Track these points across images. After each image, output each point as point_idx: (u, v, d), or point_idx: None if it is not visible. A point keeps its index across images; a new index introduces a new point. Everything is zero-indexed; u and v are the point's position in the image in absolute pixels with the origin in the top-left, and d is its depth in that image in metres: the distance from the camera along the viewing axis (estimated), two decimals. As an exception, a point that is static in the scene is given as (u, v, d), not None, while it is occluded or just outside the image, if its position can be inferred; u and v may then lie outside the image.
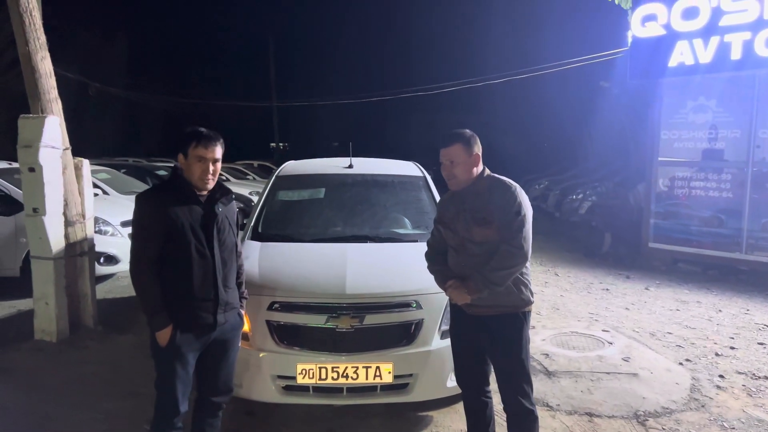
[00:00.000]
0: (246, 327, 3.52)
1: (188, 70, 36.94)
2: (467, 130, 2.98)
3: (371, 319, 3.47)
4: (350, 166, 5.23)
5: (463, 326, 3.05)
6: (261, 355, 3.48)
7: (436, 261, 3.17)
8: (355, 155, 5.43)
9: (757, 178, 8.27)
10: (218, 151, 2.81)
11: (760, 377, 4.64)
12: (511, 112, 33.67)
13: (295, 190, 5.15)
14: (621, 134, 13.27)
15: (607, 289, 7.72)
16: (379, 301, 3.54)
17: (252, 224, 4.60)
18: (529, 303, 2.94)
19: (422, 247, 4.30)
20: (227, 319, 2.92)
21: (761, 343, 5.47)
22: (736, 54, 7.99)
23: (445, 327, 3.62)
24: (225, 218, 2.91)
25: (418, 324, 3.54)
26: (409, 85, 24.63)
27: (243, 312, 3.13)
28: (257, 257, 4.00)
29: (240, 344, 3.50)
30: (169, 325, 2.73)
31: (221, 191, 2.90)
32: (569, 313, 6.45)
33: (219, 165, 2.85)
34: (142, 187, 9.78)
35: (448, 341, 3.56)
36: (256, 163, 21.77)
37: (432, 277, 3.70)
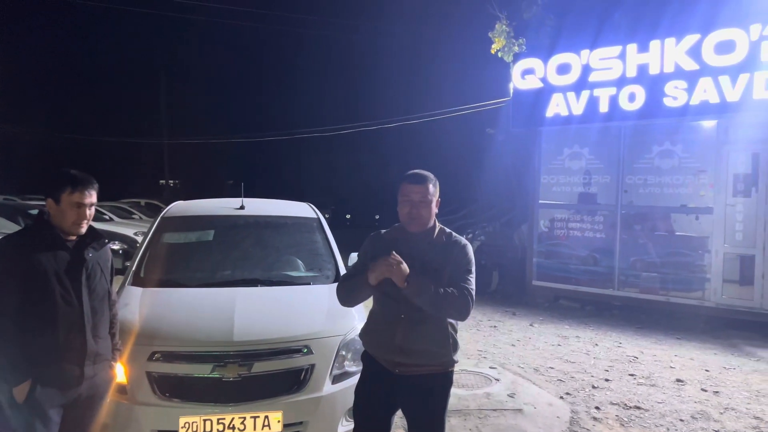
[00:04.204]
0: (123, 379, 3.31)
1: (70, 103, 34.96)
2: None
3: (260, 367, 3.37)
4: (242, 207, 5.12)
5: (379, 384, 2.84)
6: (140, 409, 3.27)
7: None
8: (248, 195, 5.34)
9: (625, 220, 9.03)
10: (94, 196, 2.71)
11: (630, 407, 4.97)
12: (406, 154, 34.64)
13: (182, 233, 4.96)
14: (507, 178, 14.04)
15: (495, 326, 8.02)
16: (269, 347, 3.45)
17: (133, 269, 4.35)
18: (455, 363, 2.88)
19: (315, 289, 4.33)
20: (96, 372, 2.73)
21: (632, 374, 5.88)
22: (604, 107, 8.78)
23: (337, 371, 3.59)
24: (96, 264, 2.76)
25: (309, 370, 3.48)
26: (305, 125, 24.79)
27: (114, 365, 2.93)
28: (138, 304, 3.79)
29: (117, 398, 3.29)
30: (27, 379, 2.51)
31: (92, 236, 2.76)
32: (459, 351, 6.60)
33: (93, 209, 2.73)
34: (12, 227, 9.02)
35: (339, 386, 3.54)
36: (143, 202, 20.84)
37: (324, 320, 3.72)
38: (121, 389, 3.29)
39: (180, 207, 5.31)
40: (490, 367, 5.93)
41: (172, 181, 32.02)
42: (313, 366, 3.49)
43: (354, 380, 3.28)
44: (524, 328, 8.00)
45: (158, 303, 3.88)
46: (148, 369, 3.30)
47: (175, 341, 3.40)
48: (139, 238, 11.64)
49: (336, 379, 3.57)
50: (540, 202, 10.00)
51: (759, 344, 7.07)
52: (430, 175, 2.81)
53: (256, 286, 4.23)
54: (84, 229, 2.71)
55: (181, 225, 5.01)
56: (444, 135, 22.90)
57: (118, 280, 3.94)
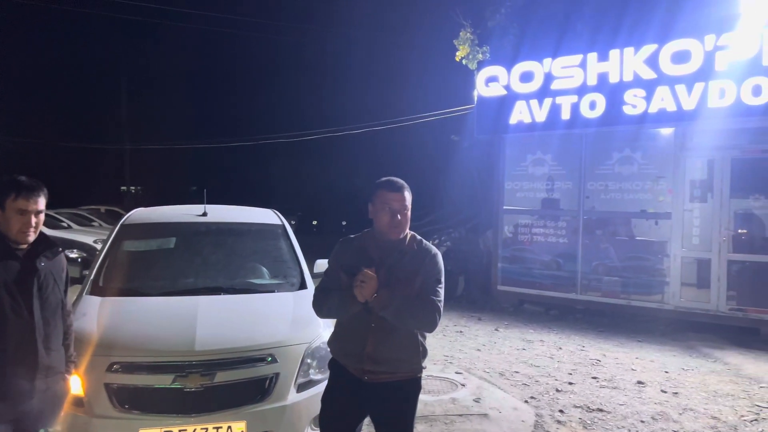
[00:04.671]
0: (80, 391, 3.21)
1: (29, 108, 33.93)
2: None
3: (223, 377, 3.31)
4: (204, 214, 5.03)
5: (346, 392, 2.79)
6: (98, 421, 3.17)
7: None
8: (213, 201, 5.26)
9: (587, 225, 9.20)
10: (41, 202, 2.61)
11: (593, 410, 5.05)
12: (373, 160, 34.77)
13: (143, 240, 4.85)
14: (472, 184, 14.17)
15: (461, 331, 8.07)
16: (232, 356, 3.40)
17: (92, 277, 4.23)
18: (423, 369, 2.87)
19: (280, 297, 4.28)
20: (49, 385, 2.64)
21: (594, 377, 5.98)
22: (565, 114, 8.95)
23: (302, 380, 3.56)
24: (49, 273, 2.67)
25: (273, 378, 3.44)
26: (271, 131, 24.58)
27: (68, 377, 2.84)
28: (96, 313, 3.69)
29: (73, 410, 3.19)
30: None
31: (45, 244, 2.67)
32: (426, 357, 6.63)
33: (42, 216, 2.64)
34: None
35: (304, 394, 3.51)
36: (103, 209, 20.28)
37: (289, 328, 3.69)
38: (78, 402, 3.20)
39: (141, 214, 5.21)
40: (456, 372, 5.96)
41: (133, 188, 31.32)
42: (277, 375, 3.45)
43: (320, 388, 3.25)
44: (489, 332, 8.06)
45: (117, 312, 3.78)
46: (107, 380, 3.22)
47: (135, 351, 3.32)
48: (99, 246, 11.35)
49: (301, 388, 3.53)
50: (504, 207, 10.11)
51: (715, 346, 7.27)
52: (404, 183, 2.79)
53: (219, 294, 4.16)
54: (31, 238, 2.61)
55: (141, 232, 4.91)
56: (410, 141, 23.04)
57: (76, 289, 3.84)
